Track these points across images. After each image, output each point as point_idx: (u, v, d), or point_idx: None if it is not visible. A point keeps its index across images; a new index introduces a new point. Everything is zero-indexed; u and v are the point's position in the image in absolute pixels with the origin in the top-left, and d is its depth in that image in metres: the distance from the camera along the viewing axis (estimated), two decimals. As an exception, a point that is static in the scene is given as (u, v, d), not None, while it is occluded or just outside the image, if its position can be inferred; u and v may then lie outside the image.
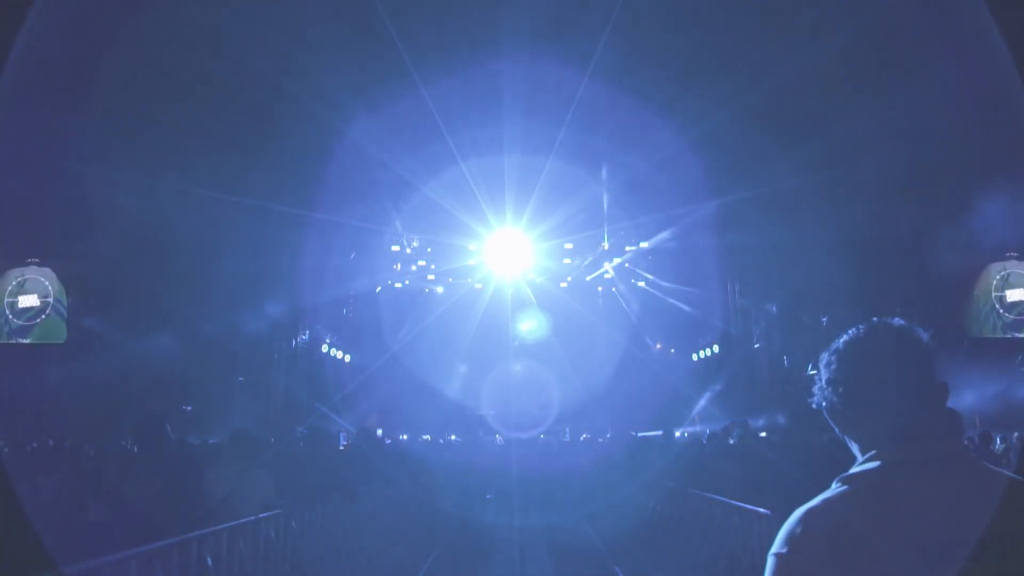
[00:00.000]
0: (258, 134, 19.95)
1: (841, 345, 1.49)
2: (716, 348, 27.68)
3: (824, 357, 1.51)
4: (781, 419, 16.92)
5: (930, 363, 1.42)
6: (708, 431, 14.75)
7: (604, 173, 24.93)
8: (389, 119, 20.23)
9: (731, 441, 9.22)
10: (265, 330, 24.90)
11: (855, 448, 1.46)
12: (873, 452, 1.40)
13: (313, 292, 26.86)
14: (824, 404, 1.51)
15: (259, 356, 24.64)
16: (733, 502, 6.06)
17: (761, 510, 5.22)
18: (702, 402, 27.39)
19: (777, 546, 1.35)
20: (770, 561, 1.35)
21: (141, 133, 18.93)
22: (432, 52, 19.06)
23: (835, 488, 1.38)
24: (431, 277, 29.90)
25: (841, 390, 1.46)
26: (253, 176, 20.49)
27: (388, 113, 20.09)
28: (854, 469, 1.41)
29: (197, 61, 17.35)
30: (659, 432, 15.17)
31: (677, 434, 22.58)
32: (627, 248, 27.45)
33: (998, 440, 13.87)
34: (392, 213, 25.94)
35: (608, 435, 23.94)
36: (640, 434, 18.53)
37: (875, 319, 1.50)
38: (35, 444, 15.72)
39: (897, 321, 1.49)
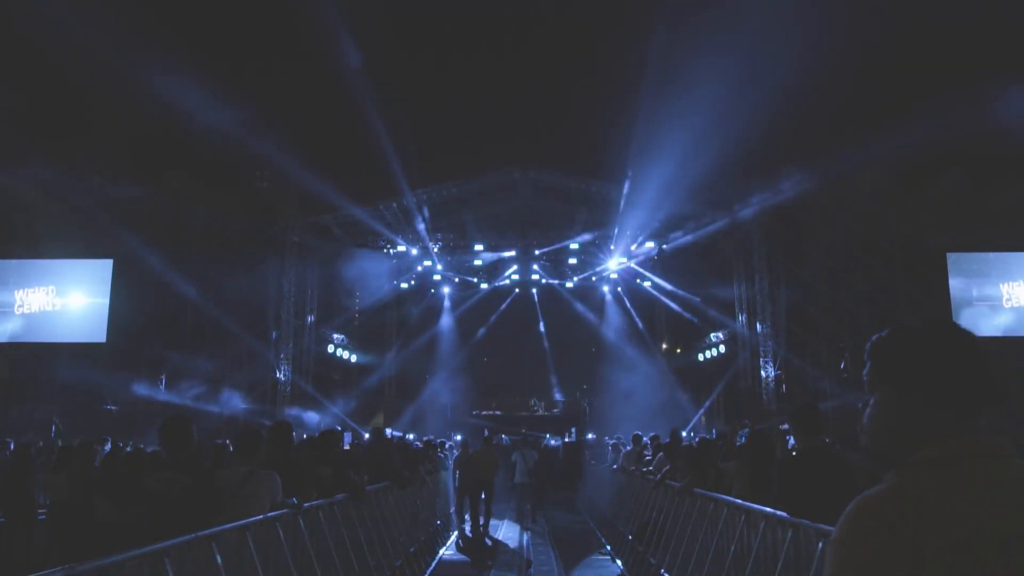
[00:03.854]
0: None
1: (897, 341, 1.50)
2: (722, 348, 27.67)
3: (878, 352, 1.52)
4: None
5: (983, 362, 1.45)
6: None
7: (613, 175, 24.94)
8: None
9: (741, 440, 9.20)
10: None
11: (897, 447, 1.46)
12: (935, 444, 1.41)
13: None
14: (876, 398, 1.52)
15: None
16: (739, 502, 6.05)
17: (767, 510, 5.21)
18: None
19: (837, 533, 1.36)
20: (831, 549, 1.36)
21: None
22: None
23: (893, 479, 1.40)
24: (437, 277, 29.90)
25: (897, 386, 1.47)
26: None
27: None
28: (914, 459, 1.42)
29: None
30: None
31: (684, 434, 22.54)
32: (633, 248, 27.42)
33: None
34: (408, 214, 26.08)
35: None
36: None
37: (928, 319, 1.52)
38: (41, 443, 15.82)
39: (951, 320, 1.51)
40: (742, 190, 24.02)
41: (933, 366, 1.45)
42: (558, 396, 32.80)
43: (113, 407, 22.66)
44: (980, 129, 17.31)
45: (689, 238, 25.72)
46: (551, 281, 29.84)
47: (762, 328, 24.93)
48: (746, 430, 9.48)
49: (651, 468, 10.64)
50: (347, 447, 13.59)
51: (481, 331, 31.97)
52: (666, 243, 26.37)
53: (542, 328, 32.28)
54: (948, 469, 1.37)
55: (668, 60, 18.58)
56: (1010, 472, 1.37)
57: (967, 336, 1.46)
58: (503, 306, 31.61)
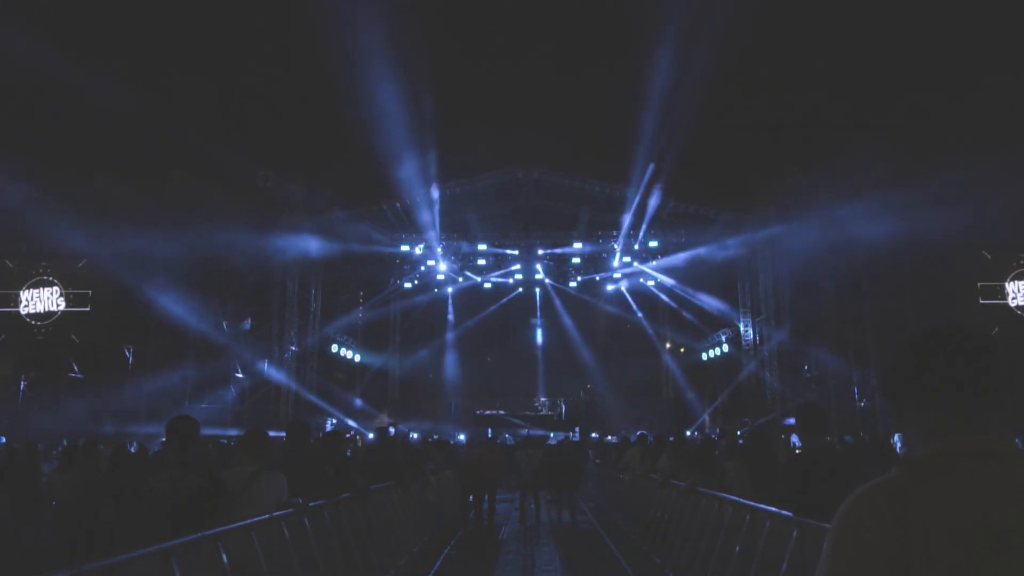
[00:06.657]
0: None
1: (908, 341, 1.52)
2: (725, 347, 27.65)
3: (891, 351, 1.55)
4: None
5: (993, 361, 1.46)
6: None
7: (617, 176, 24.93)
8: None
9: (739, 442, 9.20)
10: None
11: (911, 438, 1.50)
12: (934, 443, 1.44)
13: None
14: (888, 396, 1.55)
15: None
16: (744, 501, 6.04)
17: (772, 509, 5.21)
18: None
19: (832, 524, 1.39)
20: (826, 540, 1.38)
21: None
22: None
23: (895, 472, 1.42)
24: (440, 277, 29.90)
25: (907, 384, 1.50)
26: None
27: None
28: (914, 457, 1.45)
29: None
30: None
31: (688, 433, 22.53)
32: (635, 248, 27.39)
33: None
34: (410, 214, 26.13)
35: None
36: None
37: (940, 320, 1.54)
38: (43, 445, 15.83)
39: (960, 322, 1.53)
40: (747, 190, 23.99)
41: (916, 373, 1.47)
42: (558, 397, 32.85)
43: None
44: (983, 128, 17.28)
45: (692, 238, 25.68)
46: (556, 284, 29.84)
47: (766, 327, 24.89)
48: (745, 429, 9.49)
49: (655, 467, 10.63)
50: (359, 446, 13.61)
51: (484, 331, 31.98)
52: (670, 243, 26.35)
53: (544, 328, 32.27)
54: (945, 465, 1.39)
55: (671, 61, 18.59)
56: (1009, 469, 1.38)
57: (956, 338, 1.47)
58: (502, 303, 31.59)
